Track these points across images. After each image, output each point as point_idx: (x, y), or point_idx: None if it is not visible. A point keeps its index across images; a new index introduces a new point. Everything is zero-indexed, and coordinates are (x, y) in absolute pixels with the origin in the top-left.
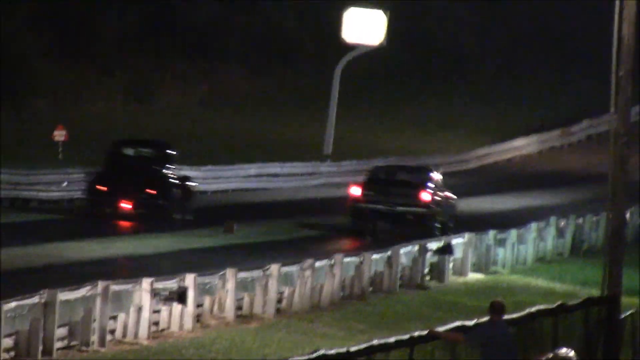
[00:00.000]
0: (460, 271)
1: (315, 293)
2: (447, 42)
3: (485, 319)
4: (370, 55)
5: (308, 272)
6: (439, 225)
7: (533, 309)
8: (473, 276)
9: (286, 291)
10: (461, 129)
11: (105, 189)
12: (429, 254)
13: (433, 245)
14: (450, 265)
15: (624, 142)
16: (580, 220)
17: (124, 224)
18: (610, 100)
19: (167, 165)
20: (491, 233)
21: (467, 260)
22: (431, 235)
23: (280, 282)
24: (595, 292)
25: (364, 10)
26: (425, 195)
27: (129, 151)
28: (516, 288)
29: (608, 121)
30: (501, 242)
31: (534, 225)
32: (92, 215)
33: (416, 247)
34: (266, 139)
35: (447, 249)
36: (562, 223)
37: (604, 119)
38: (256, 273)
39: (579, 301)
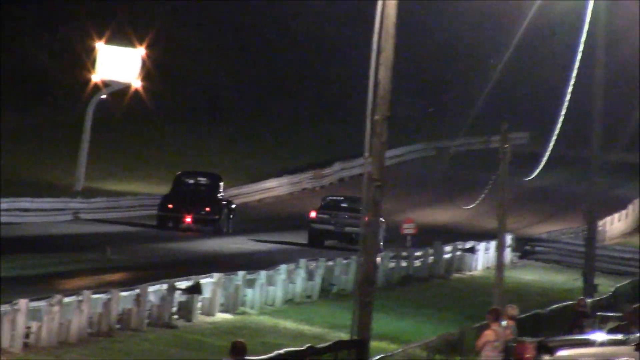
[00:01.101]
0: (208, 311)
1: (63, 329)
2: (207, 82)
3: (227, 359)
4: (131, 93)
5: (56, 308)
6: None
7: (281, 351)
8: (221, 316)
9: (34, 326)
10: (217, 168)
11: (172, 206)
12: (177, 293)
13: (182, 284)
14: (199, 304)
15: (377, 185)
16: (331, 263)
17: None
18: (365, 144)
19: (219, 191)
20: (240, 274)
21: (215, 300)
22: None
23: (29, 317)
24: (344, 335)
25: (118, 48)
26: None
27: (190, 179)
28: (264, 329)
29: (361, 164)
30: (250, 283)
31: (283, 267)
32: (160, 227)
33: (165, 286)
34: (20, 175)
35: (195, 289)
36: (312, 265)
37: (356, 162)
38: (4, 307)
39: (328, 344)
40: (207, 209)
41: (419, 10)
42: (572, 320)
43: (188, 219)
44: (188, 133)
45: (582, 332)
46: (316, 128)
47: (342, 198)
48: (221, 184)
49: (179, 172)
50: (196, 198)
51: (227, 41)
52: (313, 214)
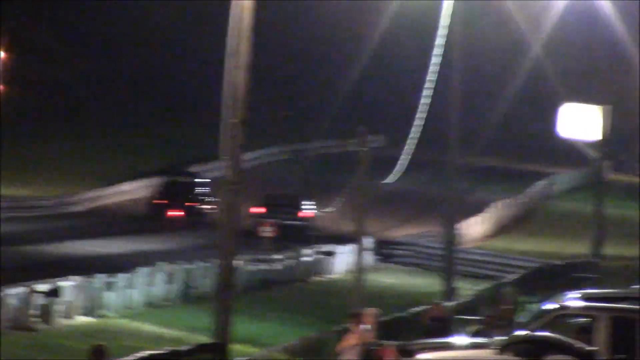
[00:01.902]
0: (68, 314)
1: None
2: (61, 84)
3: None
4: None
5: None
6: (311, 234)
7: (143, 354)
8: (81, 319)
9: None
10: (73, 172)
11: (160, 202)
12: (37, 296)
13: (42, 287)
14: (59, 308)
15: (233, 189)
16: (191, 266)
17: None
18: (221, 147)
19: (199, 187)
20: (100, 277)
21: (75, 304)
22: (307, 242)
23: None
24: (205, 338)
25: None
26: (303, 213)
27: (172, 180)
28: (124, 332)
29: (217, 167)
30: (110, 286)
31: (143, 270)
32: (151, 219)
33: (25, 289)
34: None
35: (55, 292)
36: (172, 268)
37: (214, 165)
38: None
39: (189, 347)
40: (192, 203)
41: (275, 13)
42: (433, 324)
43: (176, 212)
44: (43, 136)
45: (447, 335)
46: (172, 130)
47: (280, 194)
48: (200, 180)
49: (161, 174)
50: (182, 193)
51: (81, 42)
52: (257, 210)
